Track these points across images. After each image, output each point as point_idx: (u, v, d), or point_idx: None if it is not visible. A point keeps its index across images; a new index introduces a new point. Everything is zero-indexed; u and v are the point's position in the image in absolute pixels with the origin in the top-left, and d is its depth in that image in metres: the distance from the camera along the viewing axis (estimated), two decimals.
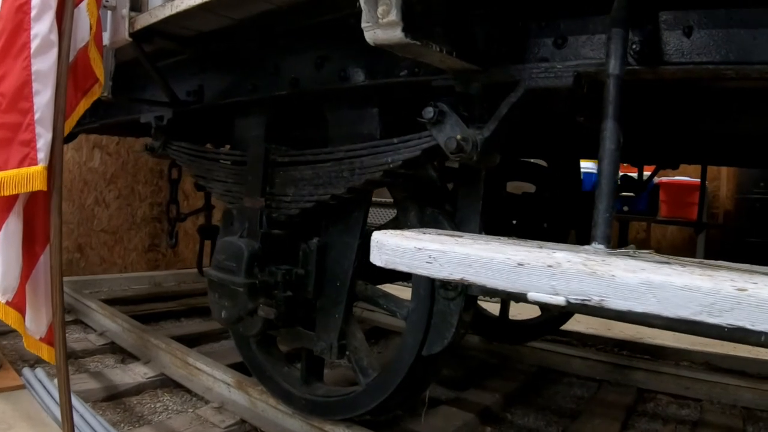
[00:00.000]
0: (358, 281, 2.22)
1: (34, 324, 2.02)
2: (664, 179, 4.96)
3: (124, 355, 3.31)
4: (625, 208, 5.03)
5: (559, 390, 3.14)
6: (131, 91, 2.89)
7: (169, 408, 2.74)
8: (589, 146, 3.08)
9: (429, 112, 1.76)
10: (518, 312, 3.31)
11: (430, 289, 2.02)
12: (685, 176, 4.84)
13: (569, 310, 1.23)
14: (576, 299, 1.14)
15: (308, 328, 2.29)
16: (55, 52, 1.85)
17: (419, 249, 1.38)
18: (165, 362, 2.98)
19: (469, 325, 2.13)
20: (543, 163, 3.25)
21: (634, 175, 3.20)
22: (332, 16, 2.11)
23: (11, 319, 1.97)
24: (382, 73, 2.02)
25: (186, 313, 4.27)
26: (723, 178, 5.70)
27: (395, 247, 1.41)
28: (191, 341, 3.42)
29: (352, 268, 2.17)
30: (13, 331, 2.87)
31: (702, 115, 2.31)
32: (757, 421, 2.78)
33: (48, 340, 2.03)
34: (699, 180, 5.06)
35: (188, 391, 2.89)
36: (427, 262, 1.36)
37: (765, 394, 2.88)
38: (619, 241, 4.92)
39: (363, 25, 1.44)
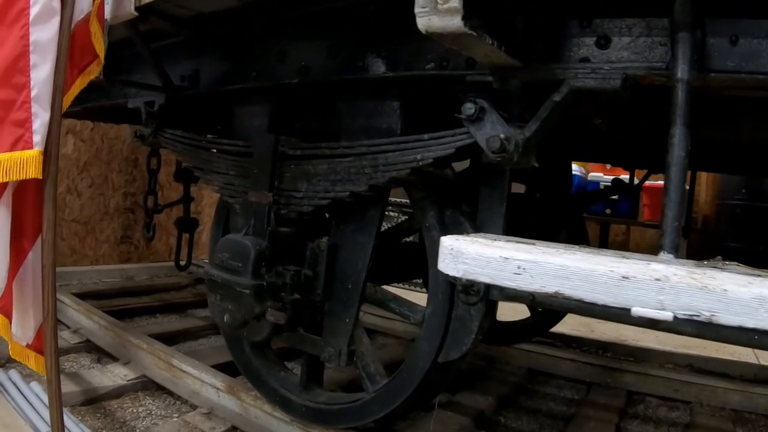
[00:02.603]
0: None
1: (20, 329, 1.73)
2: (646, 183, 4.96)
3: (100, 354, 3.01)
4: (608, 211, 5.00)
5: (550, 392, 3.03)
6: (115, 74, 2.60)
7: (153, 413, 2.49)
8: (580, 148, 3.02)
9: (469, 108, 1.60)
10: (500, 312, 3.17)
11: (450, 293, 1.86)
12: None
13: (670, 327, 1.11)
14: (684, 315, 1.05)
15: (309, 330, 2.09)
16: (56, 21, 1.57)
17: (506, 258, 1.24)
18: (146, 363, 2.70)
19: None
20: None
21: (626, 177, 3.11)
22: (347, 2, 1.92)
23: None
24: (404, 64, 1.85)
25: (161, 309, 3.97)
26: (702, 184, 5.72)
27: (476, 256, 1.26)
28: (169, 339, 3.15)
29: (366, 269, 1.98)
30: None
31: (697, 122, 2.24)
32: (746, 423, 2.74)
33: (36, 347, 1.75)
34: None
35: (171, 394, 2.63)
36: (515, 274, 1.22)
37: (752, 396, 2.84)
38: (600, 243, 4.88)
39: (417, 10, 1.29)
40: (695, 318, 1.05)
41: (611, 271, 1.13)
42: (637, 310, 1.10)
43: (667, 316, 1.07)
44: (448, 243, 1.31)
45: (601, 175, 5.14)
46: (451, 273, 1.31)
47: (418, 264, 2.81)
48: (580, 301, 1.17)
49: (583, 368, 3.14)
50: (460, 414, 2.56)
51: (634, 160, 2.94)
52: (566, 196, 3.03)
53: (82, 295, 3.67)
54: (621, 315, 1.12)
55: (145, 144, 2.48)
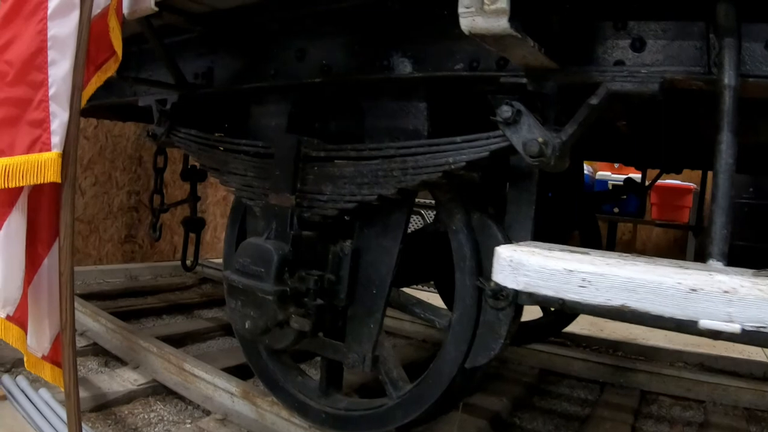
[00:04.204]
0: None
1: (36, 340, 1.61)
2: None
3: (108, 358, 2.89)
4: (616, 210, 4.94)
5: (563, 392, 2.96)
6: (124, 71, 2.47)
7: (165, 419, 2.38)
8: (593, 148, 2.94)
9: (506, 111, 1.53)
10: None
11: (477, 297, 1.77)
12: (675, 180, 4.77)
13: (736, 338, 1.05)
14: (752, 326, 1.03)
15: (328, 335, 2.00)
16: (76, 15, 1.45)
17: (570, 271, 1.19)
18: (156, 367, 2.59)
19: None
20: None
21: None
22: None
23: (12, 336, 1.56)
24: (432, 64, 1.76)
25: (167, 310, 3.83)
26: (709, 183, 5.61)
27: (539, 269, 1.20)
28: (177, 342, 3.05)
29: (391, 274, 1.88)
30: None
31: (708, 122, 2.19)
32: (759, 422, 2.69)
33: (52, 358, 1.63)
34: (690, 184, 5.05)
35: (182, 398, 2.52)
36: (580, 287, 1.16)
37: (764, 394, 2.80)
38: (607, 243, 4.81)
39: (461, 10, 1.22)
40: (762, 329, 1.02)
41: (679, 283, 1.07)
42: (705, 323, 1.05)
43: (734, 328, 1.04)
44: (507, 254, 1.23)
45: (608, 174, 5.08)
46: (510, 285, 1.23)
47: (433, 266, 2.74)
48: (646, 314, 1.11)
49: (596, 368, 3.08)
50: (476, 416, 2.48)
51: (646, 160, 2.87)
52: (579, 196, 2.94)
53: (87, 296, 3.54)
54: (687, 327, 1.08)
55: (158, 143, 2.36)
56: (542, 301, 1.37)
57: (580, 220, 2.96)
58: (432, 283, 3.80)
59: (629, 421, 2.57)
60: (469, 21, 1.21)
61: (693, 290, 1.06)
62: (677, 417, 2.73)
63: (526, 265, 1.20)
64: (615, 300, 1.12)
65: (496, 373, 3.06)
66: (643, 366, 3.08)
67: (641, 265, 1.15)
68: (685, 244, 5.32)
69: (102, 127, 4.56)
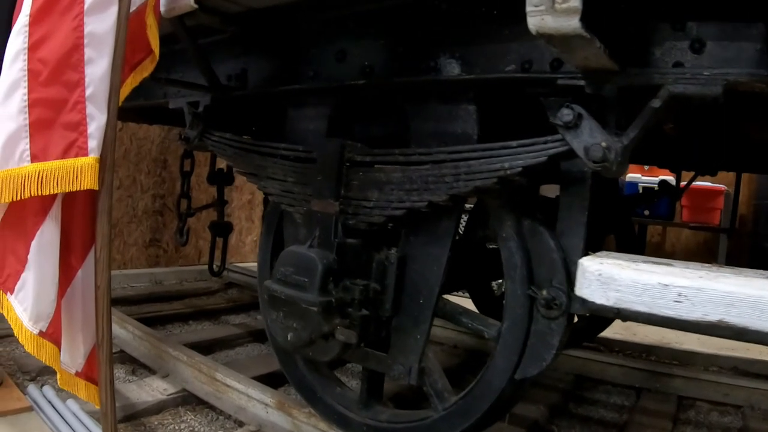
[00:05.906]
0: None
1: (69, 356, 1.47)
2: (683, 184, 4.74)
3: (135, 366, 2.73)
4: (646, 212, 4.77)
5: (599, 399, 2.80)
6: (153, 73, 2.33)
7: (196, 430, 2.24)
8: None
9: (567, 114, 1.39)
10: None
11: (529, 307, 1.62)
12: (705, 181, 4.59)
13: None
14: None
15: (370, 346, 1.83)
16: (114, 11, 1.30)
17: (665, 285, 1.08)
18: (186, 376, 2.44)
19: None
20: None
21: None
22: None
23: (45, 353, 1.41)
24: (480, 65, 1.60)
25: (194, 316, 3.66)
26: (743, 184, 5.42)
27: (631, 283, 1.10)
28: (206, 349, 2.90)
29: (439, 284, 1.73)
30: (9, 335, 2.30)
31: (744, 123, 2.04)
32: None
33: (87, 374, 1.47)
34: (720, 185, 4.88)
35: (213, 408, 2.37)
36: (675, 302, 1.05)
37: None
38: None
39: (529, 9, 1.10)
40: None
41: None
42: None
43: None
44: (595, 268, 1.10)
45: (639, 176, 4.89)
46: (600, 301, 1.11)
47: (468, 273, 2.59)
48: (746, 329, 1.00)
49: (631, 373, 2.92)
50: (515, 425, 2.34)
51: (681, 162, 2.71)
52: (614, 199, 2.78)
53: (112, 301, 3.34)
54: None
55: (190, 147, 2.20)
56: (596, 310, 1.26)
57: (616, 223, 2.79)
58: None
59: (668, 428, 2.43)
60: (537, 20, 1.10)
61: None
62: (715, 422, 2.59)
63: (617, 280, 1.09)
64: (712, 315, 1.01)
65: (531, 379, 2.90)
66: (679, 371, 2.93)
67: (733, 278, 1.05)
68: (714, 247, 5.14)
69: (126, 129, 4.39)
